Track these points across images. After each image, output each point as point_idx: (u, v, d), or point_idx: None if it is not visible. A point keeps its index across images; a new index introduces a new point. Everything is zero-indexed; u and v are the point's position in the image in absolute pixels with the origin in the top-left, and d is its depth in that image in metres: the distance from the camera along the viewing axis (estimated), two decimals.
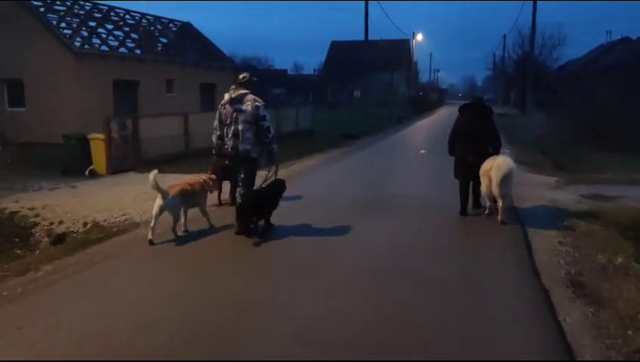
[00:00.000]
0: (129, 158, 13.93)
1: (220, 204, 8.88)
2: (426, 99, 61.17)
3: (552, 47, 45.83)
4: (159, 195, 6.47)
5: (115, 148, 13.54)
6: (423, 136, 25.20)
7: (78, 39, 20.19)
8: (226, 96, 6.79)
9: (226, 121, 6.79)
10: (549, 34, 45.36)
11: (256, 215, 6.79)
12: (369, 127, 28.63)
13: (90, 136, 13.69)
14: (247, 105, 6.66)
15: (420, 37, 64.02)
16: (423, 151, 17.59)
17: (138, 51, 23.61)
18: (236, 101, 6.70)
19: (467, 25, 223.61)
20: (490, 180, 7.52)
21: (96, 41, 21.46)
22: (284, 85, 63.91)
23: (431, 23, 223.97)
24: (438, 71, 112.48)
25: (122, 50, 22.27)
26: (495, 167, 7.43)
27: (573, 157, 15.28)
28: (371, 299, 4.76)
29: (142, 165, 13.52)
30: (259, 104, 6.71)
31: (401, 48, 67.04)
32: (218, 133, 6.95)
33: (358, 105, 48.96)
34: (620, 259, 5.65)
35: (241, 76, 6.91)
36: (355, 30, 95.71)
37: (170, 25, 28.95)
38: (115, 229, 7.59)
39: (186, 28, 29.89)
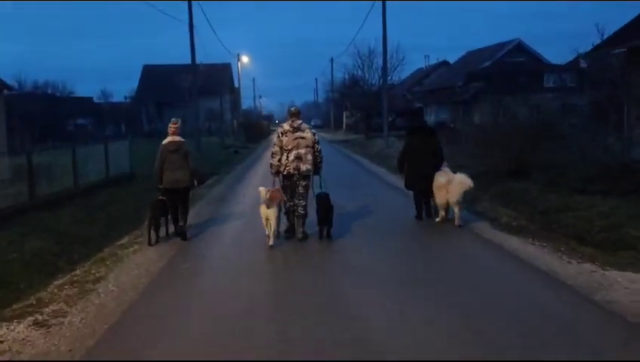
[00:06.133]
0: None
1: (152, 243, 8.49)
2: (257, 126, 56.23)
3: (392, 68, 43.65)
4: (264, 206, 8.06)
5: None
6: None
7: None
8: (286, 126, 8.55)
9: (288, 146, 8.38)
10: (390, 55, 43.11)
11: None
12: (209, 162, 22.28)
13: None
14: (307, 133, 8.52)
15: (245, 59, 59.64)
16: None
17: None
18: (298, 129, 8.46)
19: (287, 54, 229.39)
20: (446, 193, 9.18)
21: None
22: (90, 115, 53.56)
23: (252, 50, 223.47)
24: (260, 97, 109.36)
25: None
26: (457, 183, 9.13)
27: (528, 203, 11.02)
28: None
29: None
30: (314, 131, 8.71)
31: (223, 72, 61.51)
32: (278, 157, 8.46)
33: (185, 134, 41.52)
34: None
35: (293, 108, 8.85)
36: (171, 55, 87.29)
37: None
38: None
39: None
